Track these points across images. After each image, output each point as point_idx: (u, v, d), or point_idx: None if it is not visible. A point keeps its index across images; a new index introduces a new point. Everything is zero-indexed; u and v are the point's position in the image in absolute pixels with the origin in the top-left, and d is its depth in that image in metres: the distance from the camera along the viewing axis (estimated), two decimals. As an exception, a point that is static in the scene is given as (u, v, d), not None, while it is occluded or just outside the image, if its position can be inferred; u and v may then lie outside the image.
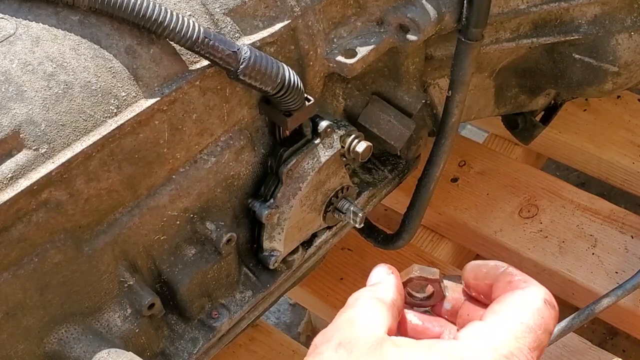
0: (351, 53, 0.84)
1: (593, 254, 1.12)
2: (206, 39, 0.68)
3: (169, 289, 0.80)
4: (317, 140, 0.82)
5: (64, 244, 0.68)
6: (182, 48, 0.70)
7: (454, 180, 1.23)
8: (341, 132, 0.84)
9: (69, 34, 0.67)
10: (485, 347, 0.53)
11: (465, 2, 0.87)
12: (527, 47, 1.01)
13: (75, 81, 0.66)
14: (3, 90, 0.63)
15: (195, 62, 0.72)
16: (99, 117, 0.66)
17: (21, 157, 0.63)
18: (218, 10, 0.74)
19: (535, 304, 0.56)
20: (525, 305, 0.56)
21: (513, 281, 0.58)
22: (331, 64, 0.84)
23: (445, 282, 0.62)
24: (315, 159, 0.83)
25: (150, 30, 0.67)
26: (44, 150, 0.64)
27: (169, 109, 0.71)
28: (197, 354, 0.82)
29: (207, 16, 0.74)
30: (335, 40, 0.84)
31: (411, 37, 0.87)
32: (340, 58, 0.83)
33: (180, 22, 0.67)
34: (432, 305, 0.62)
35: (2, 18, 0.66)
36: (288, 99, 0.75)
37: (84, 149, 0.65)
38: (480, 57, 0.94)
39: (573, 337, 1.02)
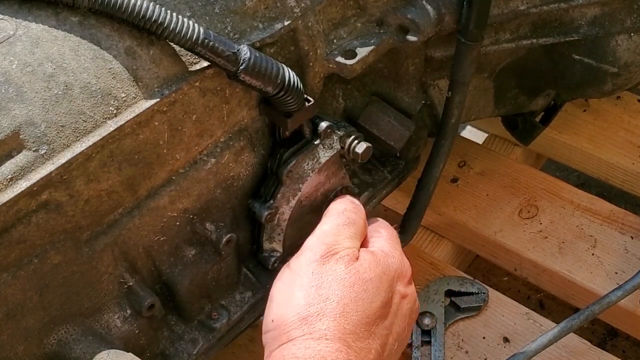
0: (351, 54, 0.84)
1: (593, 254, 1.12)
2: (206, 40, 0.68)
3: (169, 289, 0.80)
4: (317, 141, 0.82)
5: (63, 245, 0.68)
6: (182, 49, 0.70)
7: (454, 180, 1.23)
8: (341, 133, 0.84)
9: (69, 35, 0.67)
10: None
11: (465, 3, 0.87)
12: (527, 48, 1.01)
13: (75, 82, 0.66)
14: (3, 91, 0.63)
15: (195, 63, 0.72)
16: (98, 118, 0.66)
17: (21, 158, 0.63)
18: (218, 11, 0.74)
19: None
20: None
21: None
22: (331, 65, 0.84)
23: None
24: (315, 160, 0.83)
25: (150, 31, 0.67)
26: (43, 151, 0.64)
27: (168, 110, 0.71)
28: (196, 355, 0.82)
29: (207, 17, 0.74)
30: (335, 41, 0.84)
31: (411, 37, 0.87)
32: (340, 59, 0.83)
33: (180, 23, 0.67)
34: None
35: (2, 19, 0.66)
36: (288, 100, 0.75)
37: (83, 150, 0.65)
38: (480, 57, 0.94)
39: (573, 337, 1.02)
